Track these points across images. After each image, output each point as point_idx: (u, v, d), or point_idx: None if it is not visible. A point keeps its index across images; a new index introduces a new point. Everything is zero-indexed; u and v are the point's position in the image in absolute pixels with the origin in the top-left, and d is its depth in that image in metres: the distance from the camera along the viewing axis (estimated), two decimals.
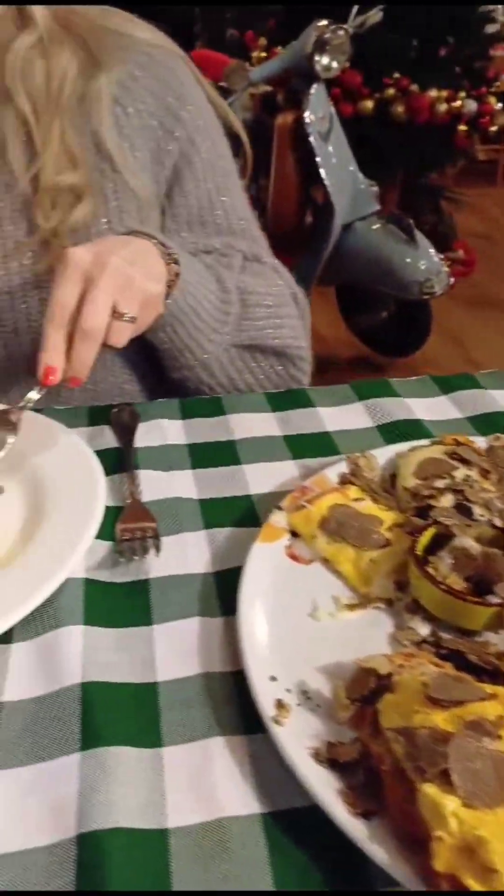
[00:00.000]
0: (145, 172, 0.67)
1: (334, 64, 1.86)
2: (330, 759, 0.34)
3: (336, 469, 0.53)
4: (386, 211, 2.10)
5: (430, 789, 0.30)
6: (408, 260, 1.93)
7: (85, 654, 0.42)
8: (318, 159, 1.91)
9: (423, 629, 0.41)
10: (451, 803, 0.29)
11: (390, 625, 0.43)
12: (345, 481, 0.52)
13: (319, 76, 1.87)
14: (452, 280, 1.97)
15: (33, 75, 0.63)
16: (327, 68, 1.86)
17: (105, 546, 0.50)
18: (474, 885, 0.27)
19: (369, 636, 0.41)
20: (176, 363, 0.66)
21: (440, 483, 0.49)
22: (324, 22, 1.83)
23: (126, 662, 0.42)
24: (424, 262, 1.93)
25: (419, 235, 1.94)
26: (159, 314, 0.57)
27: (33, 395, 0.52)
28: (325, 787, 0.33)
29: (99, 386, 0.70)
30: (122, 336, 0.51)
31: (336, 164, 1.95)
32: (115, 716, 0.38)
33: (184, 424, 0.64)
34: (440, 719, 0.32)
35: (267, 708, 0.36)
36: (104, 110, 0.64)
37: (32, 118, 0.63)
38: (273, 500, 0.53)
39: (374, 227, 1.99)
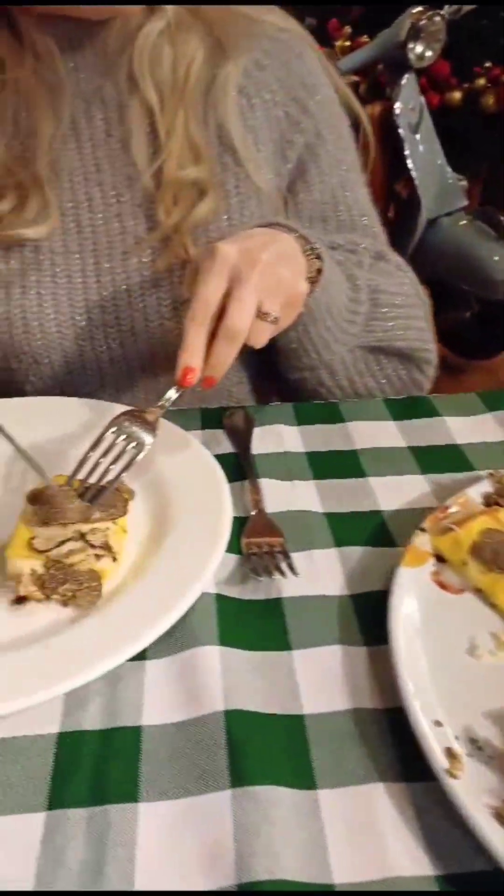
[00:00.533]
0: (268, 165, 0.64)
1: (428, 52, 1.78)
2: None
3: (478, 488, 0.50)
4: (471, 206, 2.02)
5: None
6: (496, 258, 1.85)
7: (225, 677, 0.39)
8: (406, 152, 1.84)
9: None
10: None
11: None
12: (490, 502, 0.48)
13: (412, 65, 1.80)
14: None
15: (161, 63, 0.60)
16: (420, 57, 1.79)
17: (231, 559, 0.48)
18: None
19: None
20: (299, 363, 0.62)
21: None
22: (419, 8, 1.76)
23: (268, 690, 0.39)
24: None
25: None
26: (299, 313, 0.54)
27: (171, 394, 0.50)
28: None
29: None
30: (263, 337, 0.49)
31: (424, 157, 1.88)
32: (264, 750, 0.36)
33: (300, 431, 0.61)
34: None
35: (439, 758, 0.33)
36: (229, 100, 0.62)
37: (158, 107, 0.60)
38: (407, 517, 0.50)
39: (462, 222, 1.91)
